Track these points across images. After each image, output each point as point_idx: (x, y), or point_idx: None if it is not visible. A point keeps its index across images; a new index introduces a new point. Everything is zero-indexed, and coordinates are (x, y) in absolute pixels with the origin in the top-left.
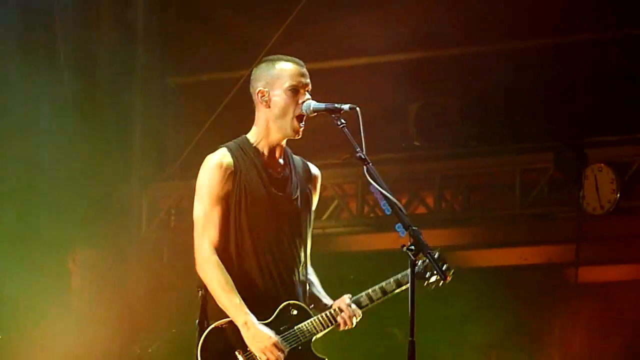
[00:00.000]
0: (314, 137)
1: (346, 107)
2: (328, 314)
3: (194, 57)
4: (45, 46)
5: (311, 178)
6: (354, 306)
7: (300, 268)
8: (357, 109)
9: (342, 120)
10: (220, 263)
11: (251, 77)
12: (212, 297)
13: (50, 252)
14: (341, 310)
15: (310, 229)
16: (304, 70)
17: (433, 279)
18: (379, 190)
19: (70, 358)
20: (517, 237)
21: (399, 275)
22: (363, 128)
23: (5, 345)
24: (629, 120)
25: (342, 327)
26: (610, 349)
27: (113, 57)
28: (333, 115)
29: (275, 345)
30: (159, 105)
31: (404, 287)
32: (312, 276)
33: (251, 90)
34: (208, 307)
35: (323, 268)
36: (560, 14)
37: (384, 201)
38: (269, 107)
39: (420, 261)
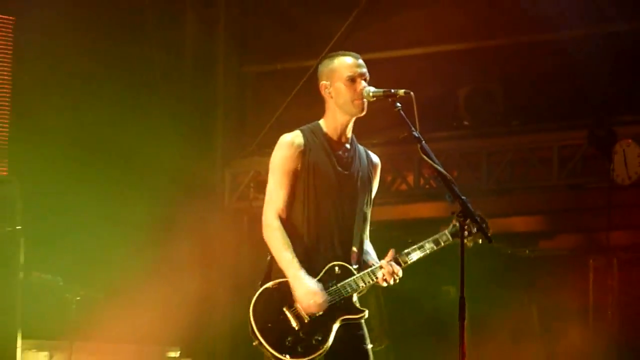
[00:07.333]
0: (376, 118)
1: (402, 91)
2: (370, 271)
3: (269, 49)
4: (136, 40)
5: (372, 165)
6: (394, 264)
7: (355, 239)
8: (411, 93)
9: (398, 104)
10: (282, 227)
11: (317, 73)
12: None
13: (148, 221)
14: (382, 267)
15: (369, 208)
16: (360, 61)
17: (472, 235)
18: (433, 165)
19: (162, 316)
20: (554, 204)
21: (437, 236)
22: (417, 110)
23: (102, 304)
24: None
25: (381, 283)
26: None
27: (197, 49)
28: (390, 99)
29: (315, 293)
30: (238, 91)
31: (441, 246)
32: (369, 247)
33: (318, 85)
34: (272, 270)
35: (386, 233)
36: (590, 7)
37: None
38: (332, 97)
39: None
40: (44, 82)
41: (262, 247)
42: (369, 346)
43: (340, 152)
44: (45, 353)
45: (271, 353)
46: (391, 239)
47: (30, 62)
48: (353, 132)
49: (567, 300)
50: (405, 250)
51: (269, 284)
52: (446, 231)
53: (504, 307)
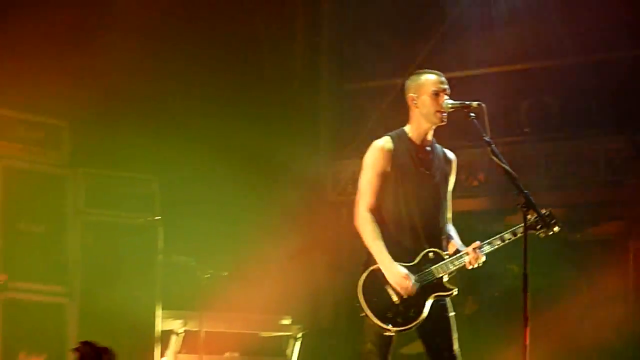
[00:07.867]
0: (455, 126)
1: (475, 103)
2: (458, 256)
3: (363, 69)
4: (256, 64)
5: (449, 161)
6: (478, 251)
7: (439, 226)
8: (483, 105)
9: (472, 114)
10: (372, 219)
11: (405, 87)
12: None
13: (266, 212)
14: (468, 254)
15: (449, 199)
16: (443, 79)
17: (542, 230)
18: (501, 165)
19: (278, 295)
20: (601, 197)
21: (514, 228)
22: (488, 119)
23: (227, 281)
24: None
25: (468, 267)
26: None
27: (305, 71)
28: (465, 110)
29: (404, 277)
30: (338, 105)
31: (517, 236)
32: (453, 232)
33: (405, 96)
34: (370, 255)
35: (462, 221)
36: (633, 35)
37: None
38: (418, 107)
39: (532, 217)
40: (182, 96)
41: (358, 235)
42: (452, 314)
43: (422, 155)
44: (180, 321)
45: (376, 323)
46: (466, 226)
47: (171, 81)
48: (434, 135)
49: (611, 276)
50: (488, 240)
51: (375, 266)
52: (521, 225)
53: (559, 282)
